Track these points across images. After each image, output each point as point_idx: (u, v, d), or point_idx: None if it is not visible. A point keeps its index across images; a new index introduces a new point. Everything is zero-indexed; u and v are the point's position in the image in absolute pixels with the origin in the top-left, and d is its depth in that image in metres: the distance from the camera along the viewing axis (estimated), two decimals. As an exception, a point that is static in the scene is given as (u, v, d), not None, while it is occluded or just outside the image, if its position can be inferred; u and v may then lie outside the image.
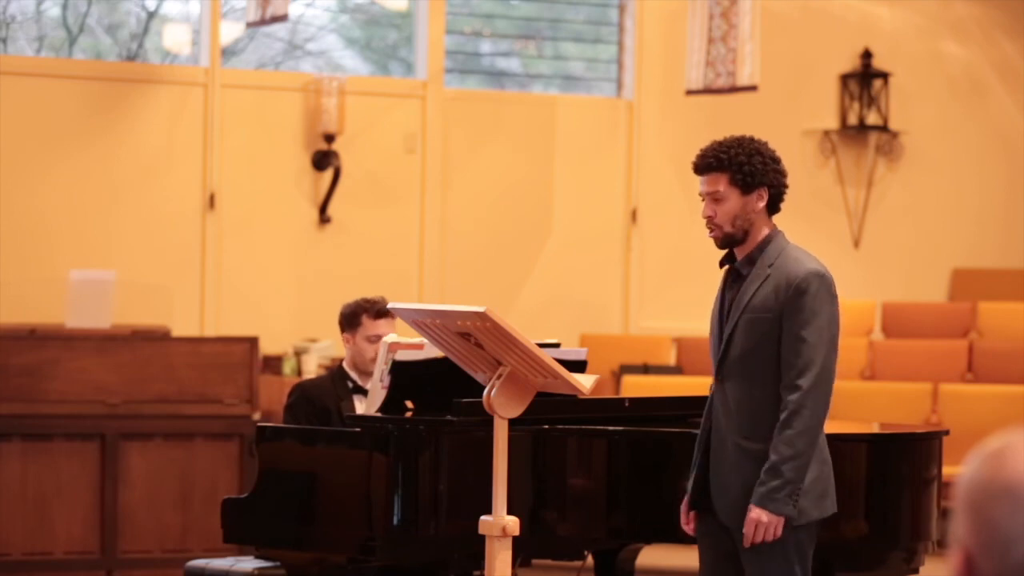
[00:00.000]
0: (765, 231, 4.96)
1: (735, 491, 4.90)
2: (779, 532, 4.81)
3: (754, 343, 4.88)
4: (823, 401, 4.83)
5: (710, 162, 4.94)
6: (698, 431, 5.08)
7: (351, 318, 6.38)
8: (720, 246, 4.97)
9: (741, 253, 4.97)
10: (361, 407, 6.30)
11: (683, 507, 5.09)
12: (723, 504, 4.94)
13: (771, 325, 4.86)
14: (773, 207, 4.99)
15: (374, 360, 6.27)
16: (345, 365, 6.43)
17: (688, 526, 5.07)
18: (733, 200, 4.91)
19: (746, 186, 4.91)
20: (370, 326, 6.34)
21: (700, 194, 4.98)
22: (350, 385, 6.37)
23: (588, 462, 5.67)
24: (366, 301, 6.40)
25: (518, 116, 11.80)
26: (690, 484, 5.04)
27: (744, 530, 4.83)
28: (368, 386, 6.35)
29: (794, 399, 4.79)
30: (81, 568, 9.05)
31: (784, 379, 4.83)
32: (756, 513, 4.80)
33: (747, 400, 4.89)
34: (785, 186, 5.01)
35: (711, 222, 4.94)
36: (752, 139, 4.98)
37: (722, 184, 4.92)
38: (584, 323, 11.64)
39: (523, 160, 11.75)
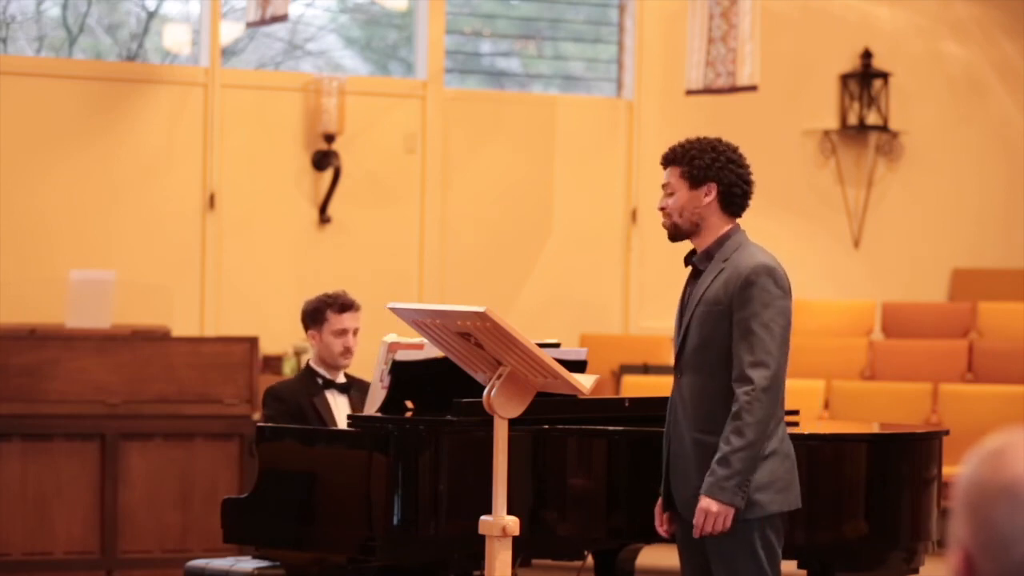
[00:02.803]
0: (724, 228, 5.03)
1: (693, 484, 4.93)
2: (728, 523, 4.82)
3: (707, 337, 4.93)
4: (774, 394, 4.86)
5: (668, 156, 5.10)
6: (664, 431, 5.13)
7: (315, 315, 6.40)
8: (670, 238, 5.11)
9: (699, 249, 5.06)
10: (334, 401, 6.34)
11: (657, 508, 5.12)
12: (683, 498, 4.99)
13: (722, 318, 4.91)
14: (730, 205, 5.03)
15: (342, 354, 6.34)
16: (312, 363, 6.46)
17: (662, 528, 5.11)
18: (681, 193, 5.04)
19: (694, 180, 5.02)
20: (335, 320, 6.36)
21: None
22: (320, 381, 6.39)
23: (588, 462, 5.67)
24: (328, 296, 6.44)
25: (518, 116, 11.80)
26: (662, 484, 5.08)
27: (694, 520, 4.85)
28: (340, 380, 6.39)
29: (746, 391, 4.82)
30: (81, 568, 9.05)
31: (735, 372, 4.86)
32: (705, 503, 4.83)
33: (702, 393, 4.94)
34: (743, 185, 5.05)
35: (662, 212, 5.09)
36: (717, 140, 5.11)
37: (674, 177, 5.07)
38: (584, 323, 11.64)
39: (523, 160, 11.75)
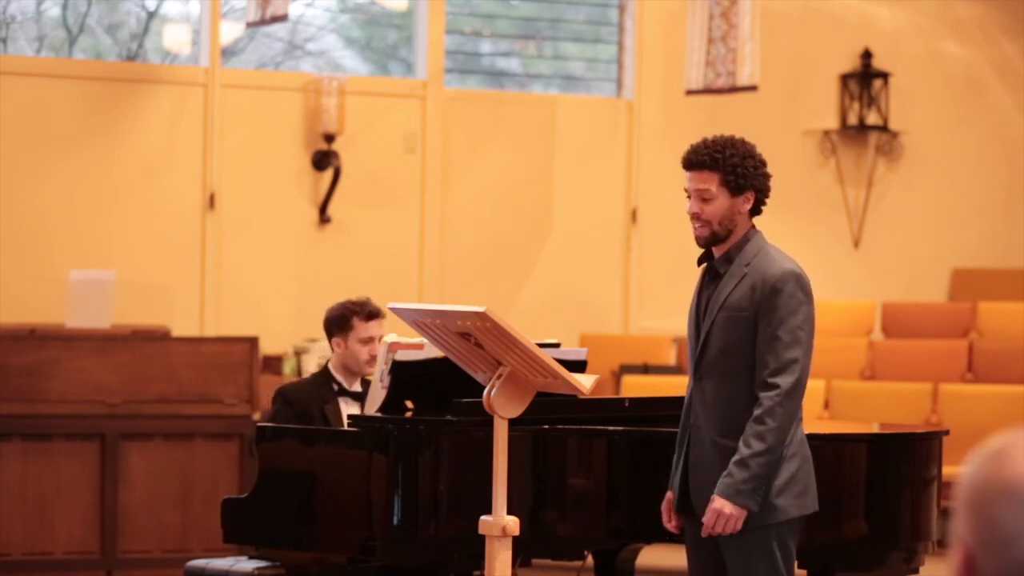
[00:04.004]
0: (744, 230, 4.98)
1: (713, 488, 4.91)
2: (739, 526, 4.81)
3: (731, 341, 4.90)
4: (797, 401, 4.86)
5: (704, 160, 4.94)
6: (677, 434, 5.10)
7: (340, 322, 6.31)
8: (702, 245, 5.00)
9: (719, 251, 4.99)
10: (346, 409, 6.29)
11: (664, 505, 5.10)
12: (702, 501, 4.96)
13: (747, 323, 4.88)
14: (757, 210, 5.01)
15: (368, 362, 6.26)
16: (331, 367, 6.38)
17: (670, 524, 5.08)
18: (722, 200, 4.94)
19: (737, 188, 4.93)
20: (362, 329, 6.28)
21: (686, 189, 5.00)
22: (335, 388, 6.33)
23: (588, 462, 5.67)
24: (354, 304, 6.34)
25: (518, 116, 11.80)
26: (674, 483, 5.06)
27: (704, 519, 4.83)
28: (355, 388, 6.35)
29: (769, 397, 4.80)
30: (81, 568, 9.05)
31: (759, 377, 4.84)
32: (719, 504, 4.81)
33: (724, 397, 4.92)
34: (769, 190, 5.02)
35: (697, 219, 4.96)
36: (744, 140, 5.00)
37: (713, 183, 4.94)
38: (584, 323, 11.64)
39: (523, 160, 11.75)
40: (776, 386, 4.81)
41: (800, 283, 4.89)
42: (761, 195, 4.98)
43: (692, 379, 5.02)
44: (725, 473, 4.81)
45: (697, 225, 4.96)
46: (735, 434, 4.87)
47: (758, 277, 4.89)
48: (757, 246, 4.96)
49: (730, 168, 4.91)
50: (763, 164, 4.99)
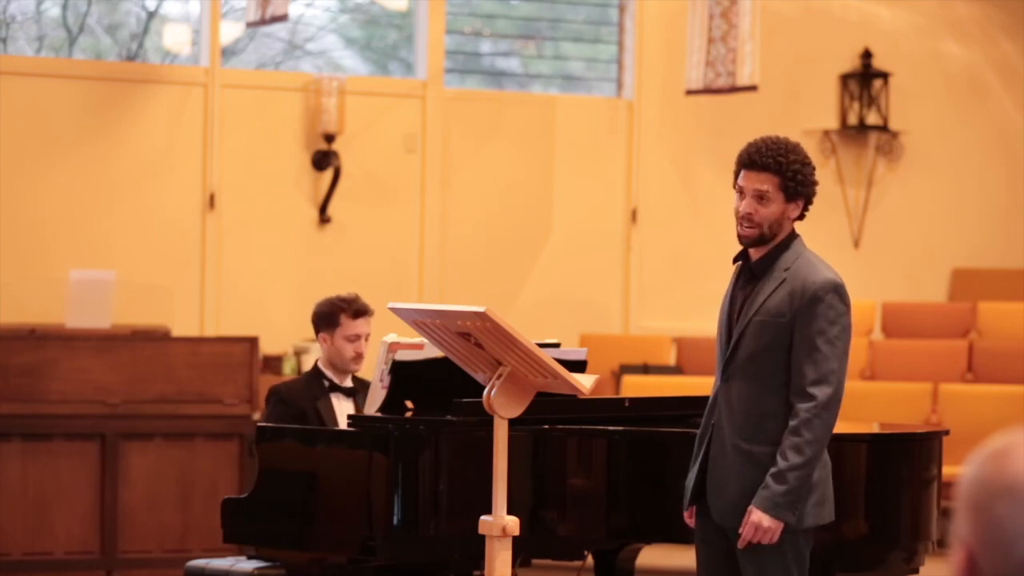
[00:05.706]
0: (786, 234, 4.95)
1: (731, 492, 4.89)
2: (776, 538, 4.79)
3: (763, 346, 4.86)
4: (834, 412, 4.84)
5: (768, 162, 4.88)
6: (698, 431, 5.08)
7: (328, 318, 6.32)
8: (748, 244, 4.93)
9: (757, 253, 4.94)
10: (338, 405, 6.30)
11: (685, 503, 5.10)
12: (718, 504, 4.94)
13: (782, 330, 4.84)
14: (801, 217, 4.98)
15: (354, 359, 6.29)
16: (320, 364, 6.39)
17: (691, 520, 5.06)
18: (777, 204, 4.89)
19: (792, 194, 4.89)
20: (349, 325, 6.29)
21: (739, 187, 4.93)
22: (326, 384, 6.34)
23: (588, 462, 5.67)
24: (342, 300, 6.35)
25: (518, 116, 11.80)
26: (690, 478, 5.04)
27: (741, 530, 4.82)
28: (346, 384, 6.36)
29: (807, 408, 4.78)
30: (81, 568, 9.05)
31: (796, 386, 4.81)
32: (757, 516, 4.78)
33: (750, 402, 4.88)
34: (814, 198, 4.99)
35: (750, 219, 4.89)
36: (799, 145, 4.97)
37: (771, 185, 4.88)
38: (584, 323, 11.64)
39: (523, 160, 11.75)
40: (814, 397, 4.78)
41: (839, 293, 4.86)
42: (809, 204, 4.96)
43: (719, 379, 4.97)
44: (763, 485, 4.78)
45: (746, 225, 4.89)
46: (756, 439, 4.85)
47: (798, 284, 4.85)
48: (797, 251, 4.92)
49: (791, 174, 4.88)
50: (815, 172, 4.97)
